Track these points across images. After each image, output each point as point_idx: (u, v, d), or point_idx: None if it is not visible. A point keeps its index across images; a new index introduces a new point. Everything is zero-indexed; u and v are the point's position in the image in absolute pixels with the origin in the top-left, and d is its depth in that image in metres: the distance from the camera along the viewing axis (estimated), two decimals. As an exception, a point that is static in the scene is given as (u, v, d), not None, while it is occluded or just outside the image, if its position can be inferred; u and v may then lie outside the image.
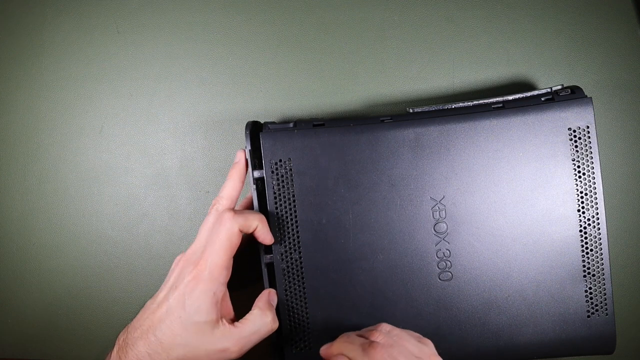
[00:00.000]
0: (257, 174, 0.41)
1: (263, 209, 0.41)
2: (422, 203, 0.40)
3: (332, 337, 0.38)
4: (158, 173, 0.52)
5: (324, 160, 0.40)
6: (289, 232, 0.40)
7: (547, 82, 0.49)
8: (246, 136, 0.41)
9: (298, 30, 0.51)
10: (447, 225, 0.40)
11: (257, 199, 0.40)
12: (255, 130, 0.42)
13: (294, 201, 0.40)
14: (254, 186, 0.40)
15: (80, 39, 0.52)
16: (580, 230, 0.40)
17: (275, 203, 0.40)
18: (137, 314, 0.39)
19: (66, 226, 0.52)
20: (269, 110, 0.51)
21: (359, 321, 0.40)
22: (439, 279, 0.40)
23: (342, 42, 0.50)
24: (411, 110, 0.41)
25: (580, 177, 0.40)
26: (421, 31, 0.50)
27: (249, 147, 0.41)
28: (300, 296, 0.40)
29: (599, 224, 0.40)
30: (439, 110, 0.41)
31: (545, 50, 0.49)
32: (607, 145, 0.49)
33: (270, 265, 0.41)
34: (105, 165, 0.52)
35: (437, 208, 0.40)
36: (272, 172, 0.40)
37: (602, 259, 0.40)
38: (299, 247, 0.40)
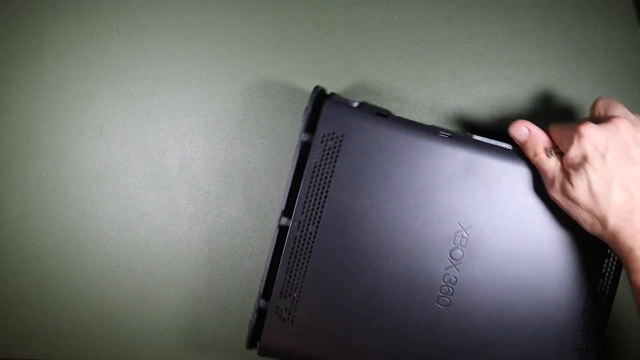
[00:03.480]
0: (306, 137, 0.40)
1: (299, 175, 0.40)
2: (448, 224, 0.39)
3: (317, 317, 0.39)
4: (158, 173, 0.52)
5: (373, 150, 0.39)
6: (314, 205, 0.39)
7: (547, 82, 0.49)
8: (311, 98, 0.40)
9: (298, 30, 0.51)
10: (463, 254, 0.39)
11: (297, 162, 0.39)
12: (319, 98, 0.41)
13: (330, 177, 0.39)
14: (299, 149, 0.40)
15: (80, 39, 0.52)
16: (584, 311, 0.40)
17: (313, 172, 0.39)
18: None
19: (66, 226, 0.52)
20: (269, 110, 0.51)
21: (348, 312, 0.40)
22: (437, 302, 0.40)
23: (342, 42, 0.50)
24: (474, 137, 0.41)
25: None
26: (421, 31, 0.50)
27: (309, 111, 0.40)
28: (301, 269, 0.40)
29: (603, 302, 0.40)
30: (500, 148, 0.41)
31: (545, 50, 0.49)
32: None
33: (284, 229, 0.40)
34: (105, 165, 0.52)
35: (460, 235, 0.39)
36: (322, 141, 0.39)
37: (601, 334, 0.40)
38: (318, 223, 0.39)
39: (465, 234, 0.39)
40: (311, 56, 0.51)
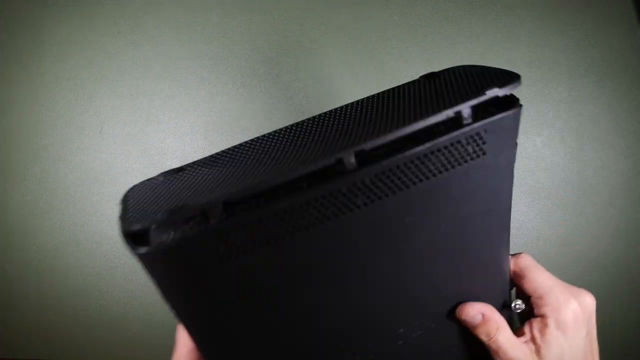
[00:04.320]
0: (468, 117, 0.26)
1: (415, 139, 0.26)
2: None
3: (250, 283, 0.25)
4: (158, 173, 0.52)
5: (477, 193, 0.29)
6: (391, 181, 0.26)
7: (546, 82, 0.49)
8: (504, 91, 0.27)
9: (298, 30, 0.51)
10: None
11: (429, 124, 0.26)
12: (505, 101, 0.28)
13: (436, 174, 0.27)
14: (447, 117, 0.26)
15: (80, 39, 0.52)
16: None
17: (430, 153, 0.26)
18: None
19: (66, 226, 0.52)
20: (269, 110, 0.51)
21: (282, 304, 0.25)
22: (394, 337, 0.33)
23: (342, 42, 0.50)
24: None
25: None
26: (421, 31, 0.50)
27: (487, 98, 0.26)
28: (306, 221, 0.25)
29: None
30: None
31: (545, 50, 0.49)
32: (607, 146, 0.49)
33: (340, 165, 0.25)
34: (105, 165, 0.52)
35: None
36: (472, 136, 0.26)
37: None
38: (376, 199, 0.23)
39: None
40: (311, 56, 0.51)
